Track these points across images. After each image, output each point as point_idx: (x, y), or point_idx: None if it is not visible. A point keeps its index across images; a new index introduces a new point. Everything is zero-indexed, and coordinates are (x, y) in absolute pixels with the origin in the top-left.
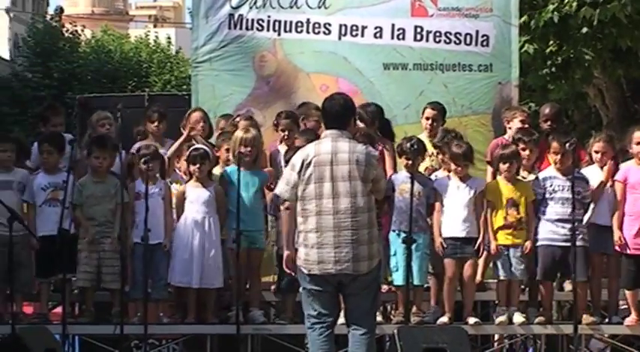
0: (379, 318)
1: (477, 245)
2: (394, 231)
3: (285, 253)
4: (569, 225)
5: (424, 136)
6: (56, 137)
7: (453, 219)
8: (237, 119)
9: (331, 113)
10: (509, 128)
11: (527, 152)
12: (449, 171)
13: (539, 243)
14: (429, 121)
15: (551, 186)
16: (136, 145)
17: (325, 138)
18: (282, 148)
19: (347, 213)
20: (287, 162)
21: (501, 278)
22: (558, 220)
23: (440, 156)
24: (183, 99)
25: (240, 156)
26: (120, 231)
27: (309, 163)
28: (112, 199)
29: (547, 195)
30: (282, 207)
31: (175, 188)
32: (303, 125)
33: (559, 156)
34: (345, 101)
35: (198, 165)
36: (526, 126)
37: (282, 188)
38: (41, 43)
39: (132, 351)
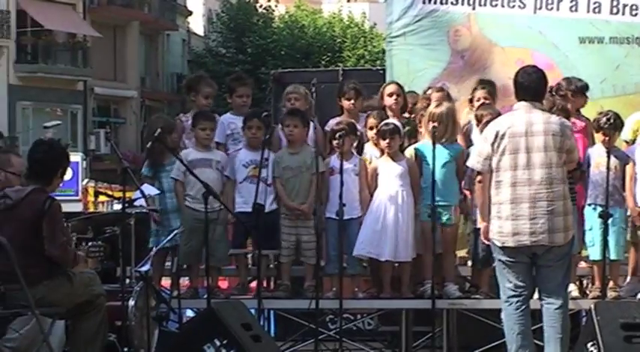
0: (576, 293)
1: None
2: (590, 205)
3: (482, 225)
4: None
5: None
6: (262, 113)
7: None
8: (429, 91)
9: (525, 85)
10: None
11: None
12: None
13: None
14: None
15: None
16: (332, 121)
17: (518, 110)
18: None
19: (543, 184)
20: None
21: None
22: None
23: None
24: (378, 73)
25: (433, 131)
26: (315, 206)
27: (504, 135)
28: (307, 171)
29: None
30: (476, 179)
31: None
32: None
33: None
34: (539, 73)
35: (387, 140)
36: None
37: (474, 160)
38: (235, 18)
39: (327, 326)
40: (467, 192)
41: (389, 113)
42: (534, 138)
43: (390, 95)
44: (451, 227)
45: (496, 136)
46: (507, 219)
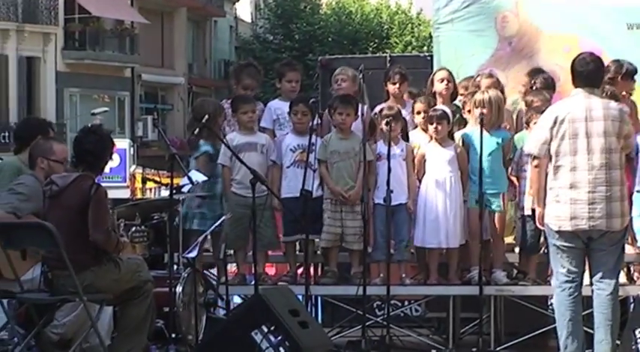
0: (624, 280)
1: None
2: (638, 191)
3: (537, 210)
4: None
5: None
6: (309, 99)
7: None
8: (479, 78)
9: (584, 74)
10: None
11: None
12: None
13: None
14: None
15: None
16: (377, 108)
17: (576, 95)
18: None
19: (602, 169)
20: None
21: None
22: None
23: None
24: (425, 60)
25: (480, 118)
26: (361, 191)
27: (563, 120)
28: (355, 157)
29: None
30: (532, 164)
31: None
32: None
33: None
34: (597, 62)
35: (435, 125)
36: None
37: (532, 145)
38: (282, 4)
39: (374, 312)
40: (514, 179)
41: (438, 100)
42: (594, 124)
43: (441, 81)
44: (500, 214)
45: (555, 121)
46: (566, 204)
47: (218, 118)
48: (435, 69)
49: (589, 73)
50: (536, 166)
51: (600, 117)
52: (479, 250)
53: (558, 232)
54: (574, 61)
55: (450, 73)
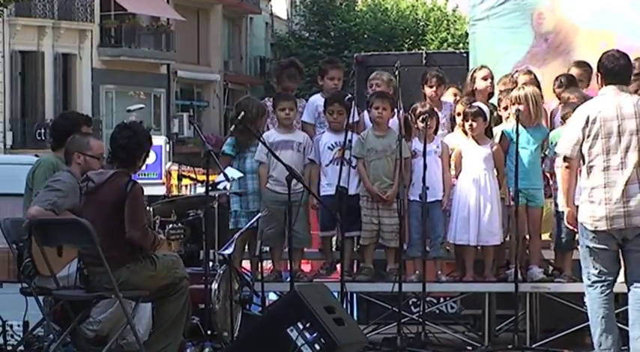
0: None
1: None
2: None
3: (566, 210)
4: None
5: None
6: (344, 97)
7: None
8: (516, 75)
9: (615, 70)
10: None
11: None
12: None
13: None
14: None
15: None
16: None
17: (606, 94)
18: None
19: (635, 168)
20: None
21: None
22: None
23: None
24: (461, 56)
25: (517, 114)
26: (398, 189)
27: (595, 119)
28: (392, 155)
29: None
30: (562, 165)
31: None
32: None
33: None
34: (626, 58)
35: (470, 122)
36: None
37: (563, 145)
38: (318, 1)
39: (409, 309)
40: (548, 175)
41: (478, 97)
42: (626, 122)
43: (484, 79)
44: (538, 209)
45: (587, 121)
46: (600, 203)
47: (259, 119)
48: (471, 66)
49: (620, 68)
50: (567, 167)
51: (632, 115)
52: (516, 247)
53: (594, 232)
54: (601, 58)
55: (490, 71)
